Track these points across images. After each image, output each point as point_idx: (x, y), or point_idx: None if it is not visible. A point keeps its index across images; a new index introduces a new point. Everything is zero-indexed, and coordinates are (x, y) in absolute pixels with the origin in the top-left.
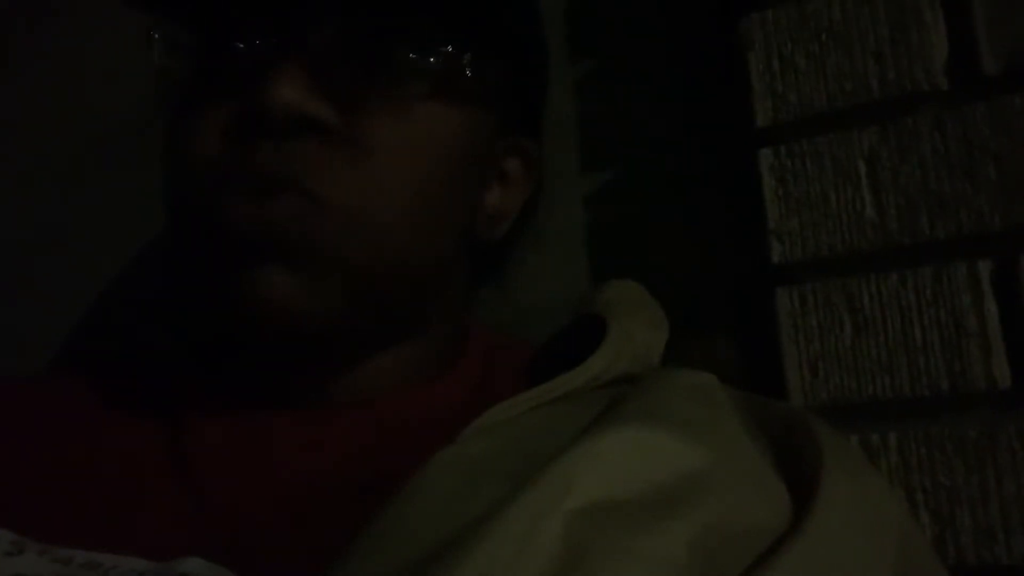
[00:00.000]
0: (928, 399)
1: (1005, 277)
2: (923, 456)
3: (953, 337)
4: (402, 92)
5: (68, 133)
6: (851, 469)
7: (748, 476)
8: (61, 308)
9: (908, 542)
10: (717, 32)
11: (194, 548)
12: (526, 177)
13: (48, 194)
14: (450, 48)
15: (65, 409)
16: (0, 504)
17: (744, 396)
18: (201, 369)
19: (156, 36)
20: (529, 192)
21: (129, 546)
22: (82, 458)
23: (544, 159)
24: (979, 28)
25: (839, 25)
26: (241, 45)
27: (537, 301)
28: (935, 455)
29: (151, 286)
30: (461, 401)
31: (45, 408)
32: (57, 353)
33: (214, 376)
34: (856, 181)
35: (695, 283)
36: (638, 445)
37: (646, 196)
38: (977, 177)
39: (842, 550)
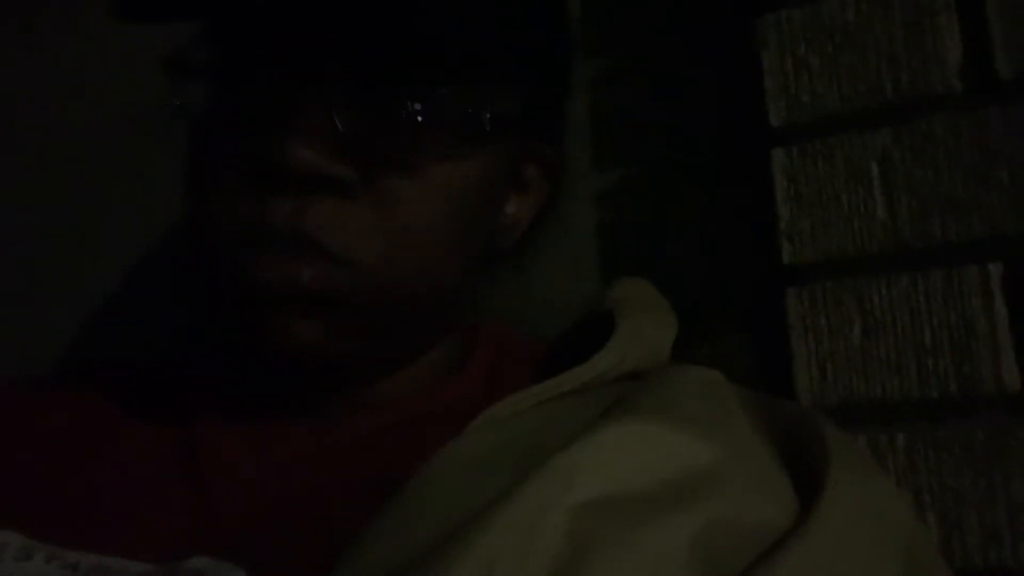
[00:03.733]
0: (937, 401)
1: (1016, 280)
2: (930, 458)
3: (963, 340)
4: (422, 145)
5: (84, 129)
6: (858, 469)
7: (754, 473)
8: (75, 311)
9: (914, 543)
10: (731, 32)
11: (202, 549)
12: (543, 183)
13: (64, 195)
14: (469, 108)
15: (78, 411)
16: (10, 505)
17: (752, 394)
18: (215, 375)
19: (173, 65)
20: (546, 197)
21: (138, 548)
22: (93, 461)
23: (563, 163)
24: (994, 32)
25: (853, 26)
26: (260, 87)
27: (548, 299)
28: (943, 457)
29: (166, 290)
30: (470, 397)
31: (58, 410)
32: (71, 356)
33: (228, 382)
34: (868, 183)
35: (706, 282)
36: (644, 439)
37: (657, 195)
38: (989, 180)
39: (847, 549)
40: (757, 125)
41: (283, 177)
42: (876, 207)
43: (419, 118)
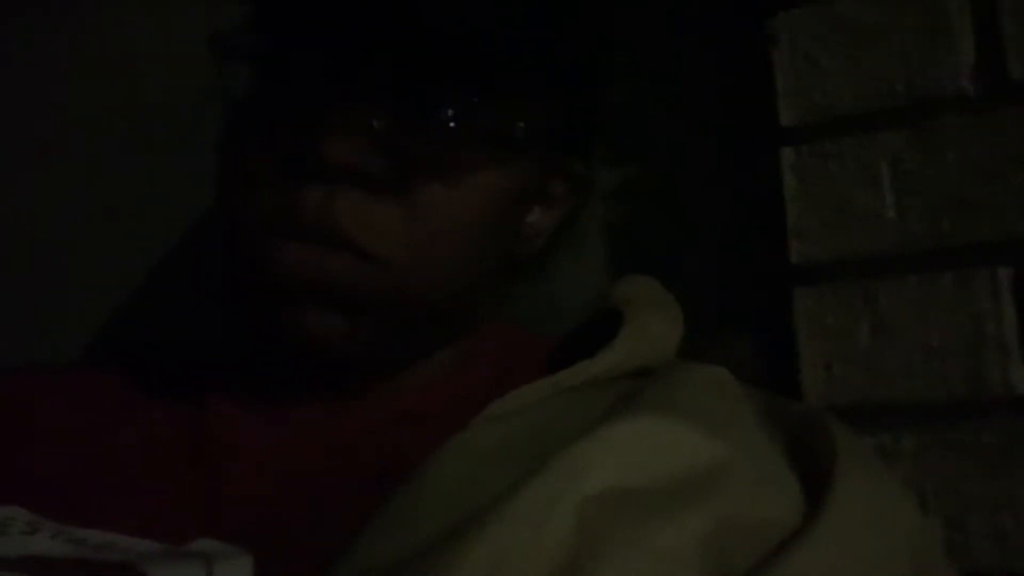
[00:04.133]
0: (944, 403)
1: None
2: (937, 460)
3: (971, 342)
4: (453, 150)
5: (102, 123)
6: (865, 468)
7: (762, 470)
8: (91, 299)
9: (920, 543)
10: (742, 30)
11: (209, 532)
12: (568, 197)
13: (78, 187)
14: (502, 120)
15: (90, 395)
16: (18, 483)
17: (759, 393)
18: (227, 361)
19: (218, 48)
20: (569, 210)
21: (145, 528)
22: (104, 443)
23: (590, 180)
24: (1007, 34)
25: (867, 27)
26: (300, 81)
27: (555, 297)
28: (950, 459)
29: (183, 278)
30: (477, 391)
31: (70, 393)
32: (87, 343)
33: (240, 368)
34: (879, 183)
35: (714, 281)
36: (652, 435)
37: (666, 193)
38: (1000, 183)
39: (855, 547)
40: (767, 124)
41: (315, 169)
42: (886, 208)
43: (452, 125)
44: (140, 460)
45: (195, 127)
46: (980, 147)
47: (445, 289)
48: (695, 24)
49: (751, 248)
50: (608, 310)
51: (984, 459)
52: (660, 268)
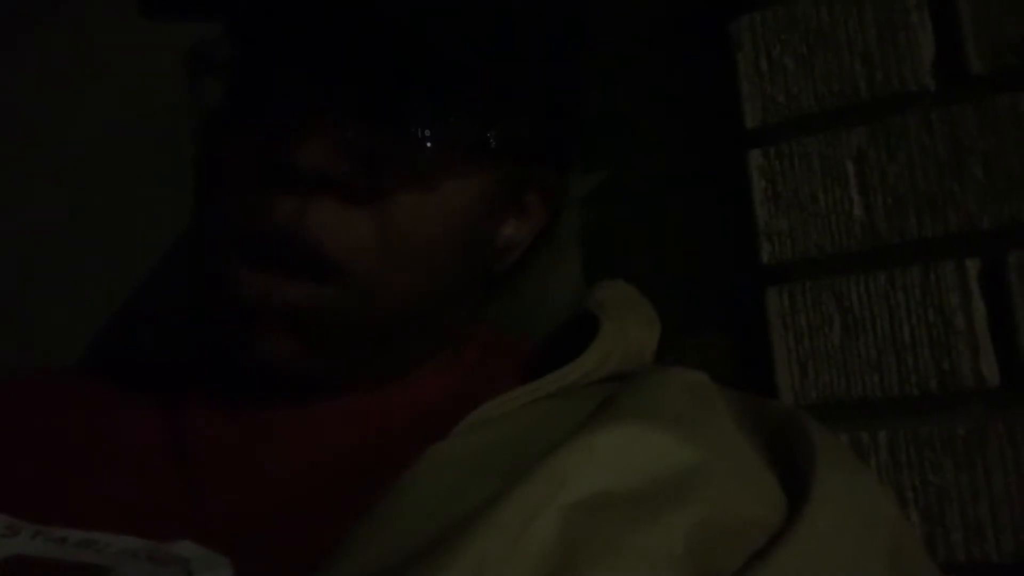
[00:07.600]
0: (917, 398)
1: (993, 276)
2: (912, 454)
3: (942, 336)
4: (426, 159)
5: (80, 132)
6: (843, 466)
7: (742, 471)
8: (75, 309)
9: (900, 538)
10: (706, 33)
11: (189, 531)
12: (543, 210)
13: (60, 196)
14: (477, 133)
15: (71, 400)
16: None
17: (737, 395)
18: (208, 362)
19: (192, 62)
20: (544, 223)
21: (125, 528)
22: (84, 446)
23: (564, 192)
24: (965, 28)
25: (827, 26)
26: (275, 90)
27: (530, 301)
28: (924, 453)
29: (163, 285)
30: (457, 396)
31: (51, 399)
32: (68, 350)
33: (219, 370)
34: (844, 181)
35: (686, 283)
36: (632, 440)
37: (637, 197)
38: (965, 176)
39: (835, 545)
40: (733, 126)
41: (288, 176)
42: (853, 205)
43: (426, 135)
44: (121, 463)
45: (172, 140)
46: (943, 141)
47: (415, 302)
48: (659, 29)
49: (722, 250)
50: (586, 314)
51: (958, 451)
52: (633, 271)
